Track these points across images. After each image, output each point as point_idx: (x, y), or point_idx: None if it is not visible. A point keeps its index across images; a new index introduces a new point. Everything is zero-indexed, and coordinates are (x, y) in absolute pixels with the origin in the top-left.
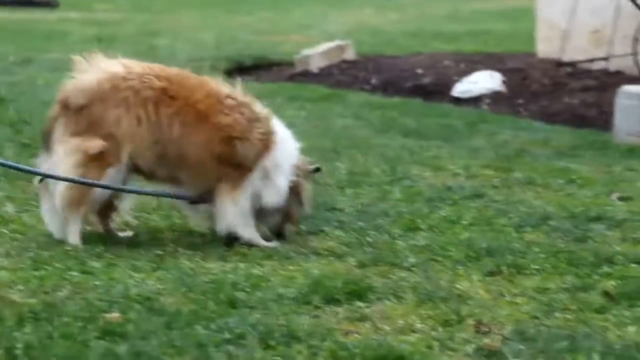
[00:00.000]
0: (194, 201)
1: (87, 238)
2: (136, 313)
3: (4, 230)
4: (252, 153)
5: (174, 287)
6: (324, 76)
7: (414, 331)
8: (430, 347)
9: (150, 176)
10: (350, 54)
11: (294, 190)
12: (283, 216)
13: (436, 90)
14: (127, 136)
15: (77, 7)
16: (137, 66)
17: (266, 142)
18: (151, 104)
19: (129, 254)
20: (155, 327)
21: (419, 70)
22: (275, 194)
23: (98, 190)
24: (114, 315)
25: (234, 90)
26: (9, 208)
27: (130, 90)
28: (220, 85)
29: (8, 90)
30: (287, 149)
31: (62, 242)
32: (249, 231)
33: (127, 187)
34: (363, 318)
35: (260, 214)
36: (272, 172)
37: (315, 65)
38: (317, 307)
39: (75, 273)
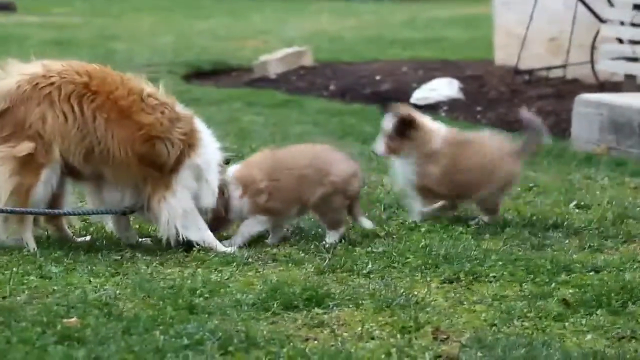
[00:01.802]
0: (124, 212)
1: (45, 243)
2: (94, 318)
3: None
4: (173, 153)
5: (133, 292)
6: (282, 82)
7: (372, 338)
8: (388, 354)
9: (78, 176)
10: (308, 60)
11: (222, 190)
12: (213, 218)
13: (394, 97)
14: (55, 132)
15: (35, 11)
16: (56, 65)
17: (190, 142)
18: (75, 99)
19: (87, 259)
20: (114, 332)
21: (377, 77)
22: (210, 194)
23: (36, 196)
24: (72, 320)
25: (156, 90)
26: None
27: (52, 87)
28: (142, 83)
29: None
30: (212, 148)
31: (18, 246)
32: (196, 233)
33: (63, 210)
34: (321, 324)
35: None
36: (205, 172)
37: (273, 71)
38: (275, 314)
39: (33, 277)
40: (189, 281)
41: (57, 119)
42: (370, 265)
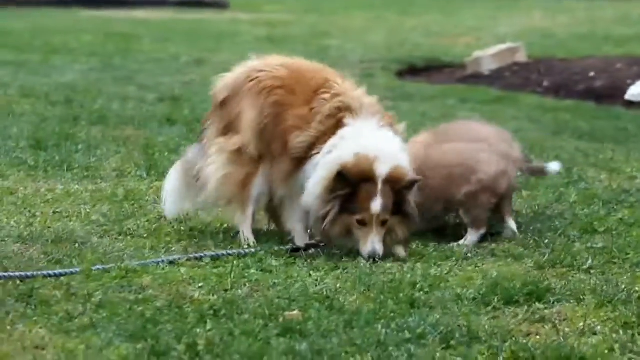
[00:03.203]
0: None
1: (264, 237)
2: (316, 311)
3: (182, 228)
4: None
5: (353, 286)
6: (495, 78)
7: (594, 333)
8: (611, 350)
9: None
10: (521, 57)
11: None
12: None
13: (609, 94)
14: (249, 128)
15: (247, 8)
16: (275, 59)
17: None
18: (266, 95)
19: (306, 253)
20: (336, 326)
21: (591, 74)
22: None
23: (256, 189)
24: (294, 313)
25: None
26: None
27: (255, 81)
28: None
29: (182, 90)
30: None
31: (238, 239)
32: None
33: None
34: (543, 320)
35: None
36: None
37: (486, 68)
38: (496, 309)
39: (253, 271)
40: (409, 275)
41: (250, 113)
42: (590, 261)
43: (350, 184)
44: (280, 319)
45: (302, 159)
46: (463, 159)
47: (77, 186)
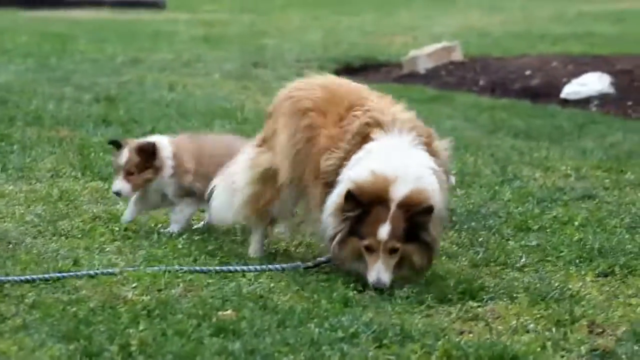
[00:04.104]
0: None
1: (202, 239)
2: (249, 311)
3: (116, 228)
4: None
5: (287, 285)
6: (432, 77)
7: (527, 331)
8: (544, 348)
9: None
10: (457, 56)
11: None
12: None
13: (544, 92)
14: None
15: (184, 8)
16: (318, 79)
17: None
18: (294, 116)
19: (241, 252)
20: (269, 325)
21: (527, 72)
22: None
23: (275, 210)
24: (228, 313)
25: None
26: (121, 205)
27: (290, 100)
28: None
29: (118, 90)
30: None
31: (173, 239)
32: None
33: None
34: (476, 318)
35: None
36: None
37: (422, 67)
38: (430, 307)
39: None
40: (343, 275)
41: (283, 136)
42: (524, 259)
43: (361, 205)
44: (214, 319)
45: (333, 182)
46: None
47: (11, 187)
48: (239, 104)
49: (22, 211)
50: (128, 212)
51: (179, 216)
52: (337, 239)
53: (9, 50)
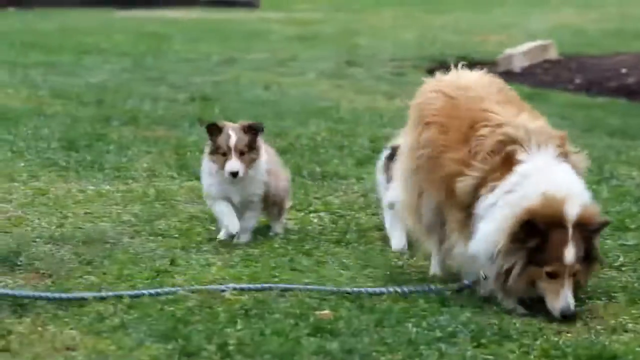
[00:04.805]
0: None
1: (294, 236)
2: (347, 310)
3: (213, 228)
4: None
5: (384, 284)
6: (527, 75)
7: (626, 330)
8: None
9: None
10: (552, 54)
11: None
12: None
13: None
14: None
15: (277, 7)
16: (446, 81)
17: None
18: (421, 127)
19: (337, 251)
20: (366, 325)
21: (623, 70)
22: None
23: (425, 218)
24: (325, 313)
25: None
26: None
27: (416, 106)
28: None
29: (213, 89)
30: None
31: (270, 238)
32: None
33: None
34: (574, 317)
35: None
36: None
37: (517, 65)
38: (528, 306)
39: (285, 270)
40: (440, 275)
41: (406, 143)
42: (621, 258)
43: (540, 232)
44: (311, 319)
45: (471, 204)
46: None
47: (108, 186)
48: (333, 103)
49: (119, 211)
50: (231, 221)
51: (250, 223)
52: (514, 272)
53: (104, 50)
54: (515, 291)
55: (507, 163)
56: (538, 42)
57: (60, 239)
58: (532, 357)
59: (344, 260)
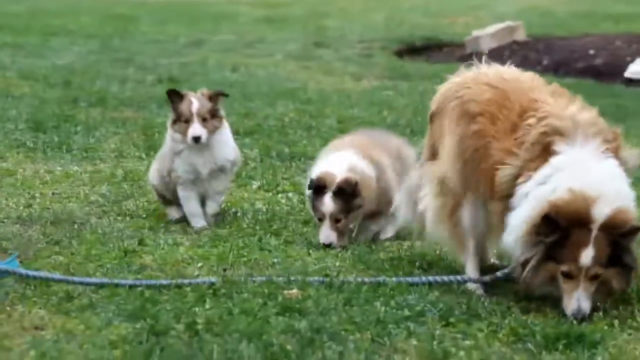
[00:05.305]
0: None
1: (262, 216)
2: (315, 290)
3: None
4: None
5: (352, 264)
6: (495, 57)
7: (595, 310)
8: (611, 325)
9: None
10: (520, 35)
11: None
12: None
13: (608, 71)
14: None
15: None
16: (485, 75)
17: None
18: (467, 120)
19: (305, 231)
20: (335, 304)
21: (591, 52)
22: None
23: (467, 220)
24: (293, 292)
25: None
26: None
27: (457, 101)
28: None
29: (180, 71)
30: None
31: (238, 218)
32: None
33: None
34: (543, 296)
35: None
36: None
37: (485, 46)
38: (496, 286)
39: (253, 250)
40: (408, 253)
41: (449, 141)
42: None
43: (560, 229)
44: (280, 298)
45: (510, 195)
46: None
47: (76, 167)
48: (301, 84)
49: (87, 191)
50: (198, 222)
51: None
52: (530, 265)
53: (71, 31)
54: (535, 285)
55: (545, 154)
56: (506, 24)
57: (28, 220)
58: (500, 335)
59: (312, 240)
